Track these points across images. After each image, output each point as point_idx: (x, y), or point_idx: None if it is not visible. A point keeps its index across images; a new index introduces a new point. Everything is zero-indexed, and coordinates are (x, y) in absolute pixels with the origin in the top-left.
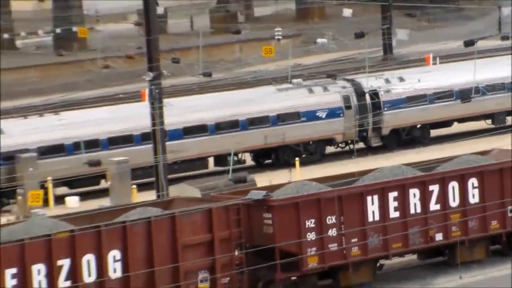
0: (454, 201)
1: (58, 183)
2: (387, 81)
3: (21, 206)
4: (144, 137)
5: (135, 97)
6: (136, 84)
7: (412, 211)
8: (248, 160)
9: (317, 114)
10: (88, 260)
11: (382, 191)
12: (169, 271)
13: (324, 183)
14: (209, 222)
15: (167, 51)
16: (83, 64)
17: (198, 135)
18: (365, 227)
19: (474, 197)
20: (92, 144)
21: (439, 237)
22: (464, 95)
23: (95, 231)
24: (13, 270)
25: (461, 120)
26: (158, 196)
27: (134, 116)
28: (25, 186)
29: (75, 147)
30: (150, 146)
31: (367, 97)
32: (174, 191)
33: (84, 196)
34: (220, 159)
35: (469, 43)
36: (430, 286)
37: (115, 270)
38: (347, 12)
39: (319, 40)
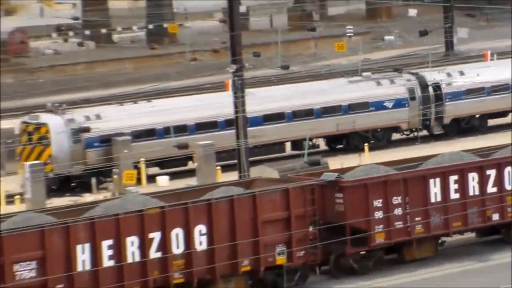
0: (509, 185)
1: (150, 163)
2: (449, 75)
3: (116, 184)
4: (228, 123)
5: (219, 87)
6: (221, 75)
7: (471, 193)
8: (322, 145)
9: (384, 104)
10: (177, 234)
11: (443, 174)
12: (249, 245)
13: (391, 166)
14: (286, 201)
15: (249, 46)
16: (173, 57)
17: (277, 122)
18: (427, 207)
19: None
20: (181, 129)
21: (495, 217)
22: None
23: (183, 208)
24: (109, 242)
25: None
26: (240, 177)
27: (219, 104)
28: (120, 166)
29: (165, 132)
30: (233, 131)
31: (430, 89)
32: (255, 172)
33: (173, 176)
34: (296, 144)
35: None
36: (486, 261)
37: (201, 243)
38: (412, 12)
39: (387, 37)
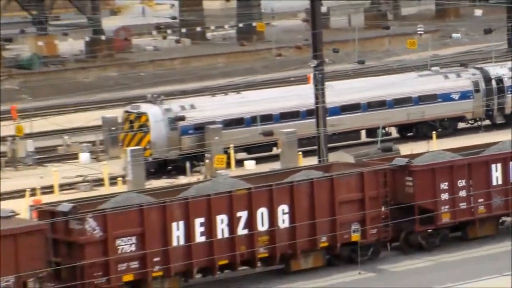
0: None
1: (238, 149)
2: (511, 69)
3: (208, 167)
4: (309, 113)
5: (302, 80)
6: (303, 69)
7: None
8: (394, 133)
9: (451, 96)
10: (262, 213)
11: (504, 160)
12: (327, 223)
13: (456, 152)
14: (361, 183)
15: (329, 43)
16: (260, 52)
17: (353, 112)
18: (489, 189)
19: None
20: (267, 118)
21: None
22: None
23: (268, 189)
24: (201, 220)
25: None
26: (320, 161)
27: (301, 96)
28: (212, 152)
29: (253, 120)
30: (313, 120)
31: (493, 82)
32: (333, 157)
33: (259, 160)
34: (371, 132)
35: None
36: None
37: (283, 221)
38: (478, 12)
39: (454, 35)
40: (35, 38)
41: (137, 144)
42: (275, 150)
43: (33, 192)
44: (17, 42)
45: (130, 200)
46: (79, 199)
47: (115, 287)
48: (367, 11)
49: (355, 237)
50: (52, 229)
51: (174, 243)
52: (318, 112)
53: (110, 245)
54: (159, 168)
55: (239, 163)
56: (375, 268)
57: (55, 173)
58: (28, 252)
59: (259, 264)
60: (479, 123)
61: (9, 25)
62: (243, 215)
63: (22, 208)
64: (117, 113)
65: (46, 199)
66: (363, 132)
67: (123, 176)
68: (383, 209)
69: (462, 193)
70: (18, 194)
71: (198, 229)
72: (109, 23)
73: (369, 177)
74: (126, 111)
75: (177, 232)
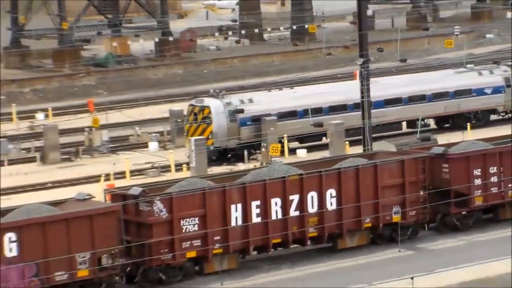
0: None
1: (291, 139)
2: None
3: (264, 155)
4: (355, 106)
5: (349, 76)
6: (350, 67)
7: None
8: (432, 124)
9: (484, 90)
10: (312, 196)
11: None
12: (371, 205)
13: (489, 142)
14: (402, 170)
15: (374, 42)
16: (311, 52)
17: (395, 105)
18: None
19: None
20: (317, 111)
21: None
22: None
23: (318, 175)
24: (257, 202)
25: None
26: (364, 150)
27: (348, 91)
28: (267, 141)
29: (305, 113)
30: (359, 113)
31: None
32: (376, 146)
33: (310, 149)
34: (411, 123)
35: None
36: None
37: (331, 203)
38: (510, 14)
39: (488, 36)
40: (110, 39)
41: (200, 134)
42: (324, 140)
43: (107, 177)
44: (94, 43)
45: (193, 184)
46: (148, 183)
47: (180, 262)
48: (409, 14)
49: (396, 218)
50: (123, 210)
51: (233, 224)
52: (364, 105)
53: (175, 225)
54: (220, 156)
55: (292, 151)
56: (414, 247)
57: (127, 160)
58: (102, 231)
59: (309, 242)
60: (510, 115)
61: (87, 28)
62: (295, 198)
63: (98, 192)
64: (182, 106)
65: (119, 183)
66: (404, 124)
67: (188, 163)
68: (421, 193)
69: (494, 179)
70: (94, 179)
71: (254, 210)
72: (177, 26)
73: (409, 164)
74: (191, 105)
75: (235, 214)
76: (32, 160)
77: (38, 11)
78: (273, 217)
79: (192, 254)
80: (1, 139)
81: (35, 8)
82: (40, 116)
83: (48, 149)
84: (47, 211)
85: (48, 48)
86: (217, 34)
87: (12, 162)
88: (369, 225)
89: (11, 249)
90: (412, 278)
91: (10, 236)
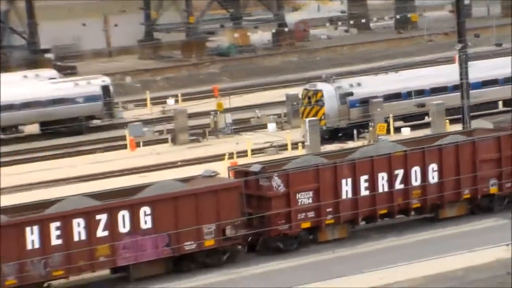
0: None
1: (396, 118)
2: None
3: (371, 134)
4: (455, 88)
5: (449, 60)
6: (450, 52)
7: None
8: None
9: None
10: (415, 171)
11: None
12: (470, 178)
13: None
14: (498, 145)
15: (471, 29)
16: (414, 39)
17: (492, 86)
18: None
19: None
20: (420, 92)
21: None
22: None
23: (421, 151)
24: (365, 177)
25: None
26: (464, 128)
27: (449, 73)
28: (374, 121)
29: (408, 94)
30: (458, 93)
31: None
32: (474, 124)
33: (413, 128)
34: (506, 102)
35: None
36: None
37: (433, 177)
38: None
39: None
40: (232, 31)
41: (314, 116)
42: (426, 119)
43: (230, 156)
44: (218, 35)
45: (308, 161)
46: (267, 161)
47: (295, 232)
48: (504, 2)
49: (493, 190)
50: (245, 185)
51: (343, 196)
52: (463, 86)
53: (291, 198)
54: (332, 135)
55: (397, 130)
56: (510, 216)
57: (248, 140)
58: (226, 204)
59: (412, 213)
60: None
61: (211, 21)
62: (399, 173)
63: (222, 169)
64: (297, 90)
65: (241, 161)
66: (500, 103)
67: (303, 142)
68: None
69: None
70: (219, 157)
71: (363, 184)
72: (291, 18)
73: (505, 140)
74: (305, 89)
75: (346, 187)
76: (164, 141)
77: (168, 8)
78: (380, 190)
79: (306, 224)
80: (136, 123)
81: (166, 5)
82: (170, 101)
83: (178, 131)
84: (178, 187)
85: (177, 40)
86: (328, 24)
87: (146, 143)
88: (468, 196)
89: (146, 222)
90: (508, 245)
91: (145, 209)
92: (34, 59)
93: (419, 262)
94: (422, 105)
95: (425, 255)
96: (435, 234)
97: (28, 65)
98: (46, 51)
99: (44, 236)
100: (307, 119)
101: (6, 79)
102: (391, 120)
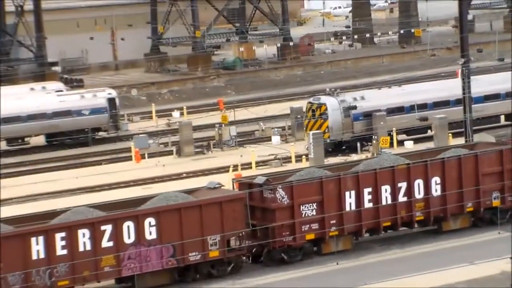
0: None
1: (399, 132)
2: None
3: (375, 147)
4: (457, 102)
5: (451, 75)
6: (453, 66)
7: None
8: None
9: None
10: (418, 183)
11: None
12: (472, 191)
13: None
14: (501, 159)
15: (474, 44)
16: (417, 53)
17: (494, 100)
18: None
19: None
20: (423, 106)
21: None
22: None
23: (424, 164)
24: (369, 189)
25: None
26: (466, 141)
27: (451, 88)
28: (378, 134)
29: (411, 108)
30: (461, 107)
31: None
32: (477, 137)
33: (416, 141)
34: (508, 116)
35: None
36: None
37: (436, 190)
38: None
39: None
40: (238, 45)
41: (318, 129)
42: (429, 132)
43: (235, 168)
44: (223, 49)
45: (311, 173)
46: (271, 173)
47: (299, 244)
48: (506, 17)
49: (496, 203)
50: (249, 197)
51: (347, 208)
52: (465, 100)
53: (295, 210)
54: (335, 148)
55: (400, 143)
56: (511, 229)
57: (252, 153)
58: (231, 215)
59: (416, 225)
60: None
61: (217, 35)
62: (403, 185)
63: (227, 181)
64: (302, 104)
65: (245, 173)
66: (502, 117)
67: (306, 155)
68: None
69: None
70: (223, 169)
71: (366, 197)
72: (296, 32)
73: (507, 153)
74: (309, 102)
75: (349, 200)
76: (169, 153)
77: (174, 22)
78: (383, 202)
79: (310, 236)
80: (142, 135)
81: (172, 19)
82: (176, 114)
83: (183, 143)
84: (183, 198)
85: (183, 54)
86: (332, 39)
87: (151, 155)
88: (471, 209)
89: (150, 232)
90: (511, 258)
91: (150, 220)
92: (42, 72)
93: (422, 274)
94: (425, 119)
95: (428, 267)
96: (438, 246)
97: (35, 77)
98: (54, 64)
99: (49, 246)
100: (311, 132)
101: (14, 91)
102: (394, 134)
